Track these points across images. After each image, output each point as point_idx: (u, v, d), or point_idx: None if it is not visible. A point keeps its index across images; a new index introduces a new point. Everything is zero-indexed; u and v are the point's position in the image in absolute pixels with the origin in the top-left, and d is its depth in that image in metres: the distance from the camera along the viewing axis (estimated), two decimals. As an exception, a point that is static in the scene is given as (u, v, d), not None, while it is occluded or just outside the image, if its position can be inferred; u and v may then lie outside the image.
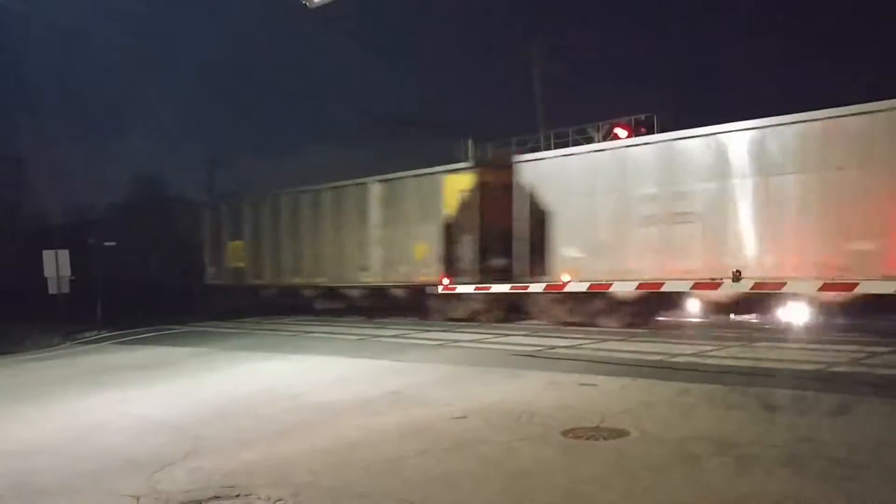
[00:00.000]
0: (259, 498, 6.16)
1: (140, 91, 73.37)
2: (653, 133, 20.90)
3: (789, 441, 7.16)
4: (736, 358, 12.73)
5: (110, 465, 7.39)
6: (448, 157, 26.28)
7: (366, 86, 67.64)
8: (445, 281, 20.98)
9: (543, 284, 19.03)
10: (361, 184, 24.95)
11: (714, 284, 16.30)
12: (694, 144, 17.22)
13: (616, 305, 18.35)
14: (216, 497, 6.23)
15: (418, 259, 22.57)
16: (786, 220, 15.72)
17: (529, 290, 19.44)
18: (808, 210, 15.39)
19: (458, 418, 8.70)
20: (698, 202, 16.92)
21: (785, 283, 15.37)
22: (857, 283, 14.33)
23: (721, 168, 16.60)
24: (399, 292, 23.48)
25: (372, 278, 24.20)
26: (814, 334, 15.43)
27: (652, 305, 18.42)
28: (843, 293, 14.65)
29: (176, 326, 23.46)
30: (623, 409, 8.79)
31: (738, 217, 16.36)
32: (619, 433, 7.74)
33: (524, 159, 20.76)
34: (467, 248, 21.47)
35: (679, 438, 7.44)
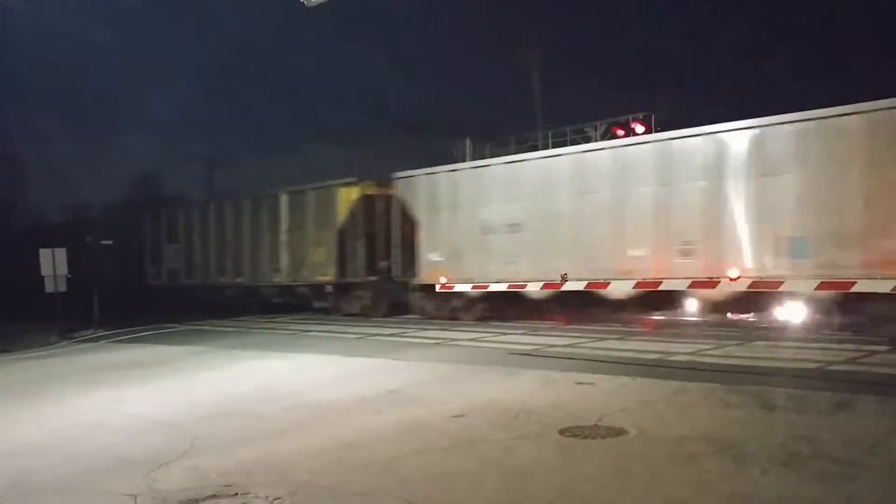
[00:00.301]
0: (257, 497, 6.15)
1: (139, 90, 73.39)
2: (650, 132, 21.30)
3: (787, 440, 7.16)
4: (734, 357, 12.74)
5: (107, 464, 7.37)
6: (447, 156, 26.42)
7: (364, 85, 67.67)
8: (443, 280, 21.07)
9: (541, 283, 19.10)
10: (273, 195, 28.13)
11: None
12: (530, 166, 20.27)
13: (472, 302, 21.45)
14: (214, 496, 6.21)
15: (318, 262, 25.71)
16: (594, 231, 18.61)
17: (527, 289, 19.55)
18: (607, 224, 18.36)
19: (455, 417, 8.69)
20: (528, 215, 19.89)
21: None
22: (855, 282, 14.34)
23: (546, 187, 19.62)
24: (304, 290, 26.59)
25: (281, 278, 27.38)
26: (811, 333, 15.44)
27: (506, 302, 20.81)
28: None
29: (173, 325, 23.44)
30: (621, 408, 8.79)
31: (558, 228, 19.26)
32: (617, 432, 7.74)
33: (400, 176, 23.49)
34: (359, 252, 24.54)
35: (677, 437, 7.43)
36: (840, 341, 14.10)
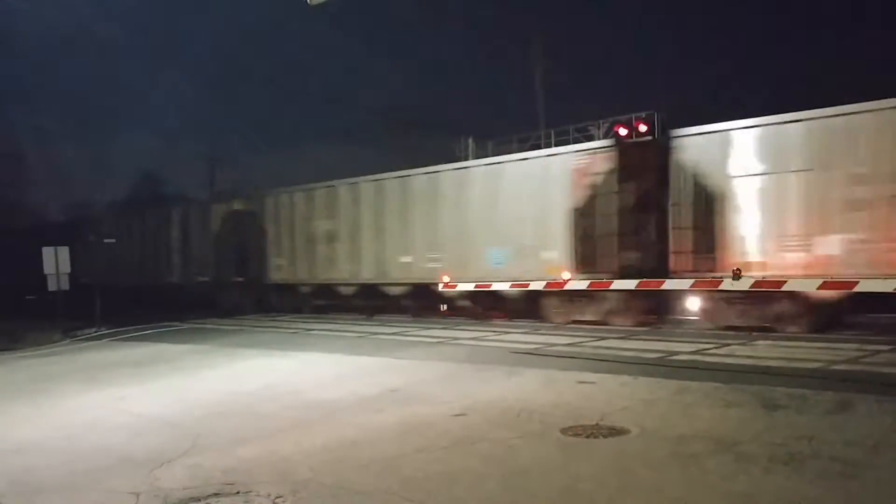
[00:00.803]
0: (259, 495, 6.16)
1: (141, 88, 73.40)
2: (652, 131, 21.33)
3: (788, 439, 7.16)
4: (736, 356, 12.72)
5: (109, 462, 7.39)
6: (449, 155, 26.46)
7: (367, 84, 67.68)
8: (446, 278, 21.12)
9: (544, 282, 19.11)
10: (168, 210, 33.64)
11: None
12: (343, 190, 25.02)
13: (307, 297, 26.38)
14: (216, 494, 6.23)
15: (201, 264, 30.83)
16: (384, 242, 23.57)
17: (530, 288, 19.55)
18: (393, 236, 23.36)
19: (457, 416, 8.70)
20: (342, 228, 24.85)
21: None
22: (857, 282, 14.33)
23: (355, 206, 24.48)
24: (198, 288, 30.74)
25: (175, 278, 32.39)
26: (815, 332, 15.43)
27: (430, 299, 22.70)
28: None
29: (175, 323, 23.46)
30: (622, 407, 8.79)
31: (362, 238, 24.15)
32: (619, 431, 7.74)
33: (259, 194, 28.48)
34: (231, 257, 29.37)
35: (678, 436, 7.43)
36: (843, 341, 14.08)
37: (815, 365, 11.53)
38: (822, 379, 10.26)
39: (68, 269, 21.52)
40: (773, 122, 15.99)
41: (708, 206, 16.69)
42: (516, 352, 14.18)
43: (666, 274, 17.25)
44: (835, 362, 11.75)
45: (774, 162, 15.80)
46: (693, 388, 9.73)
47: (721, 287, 16.26)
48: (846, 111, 14.97)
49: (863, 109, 14.82)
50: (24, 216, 42.76)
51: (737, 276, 15.81)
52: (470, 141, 27.60)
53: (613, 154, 18.53)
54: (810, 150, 15.32)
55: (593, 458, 6.88)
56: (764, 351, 13.30)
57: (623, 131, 23.91)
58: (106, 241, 26.63)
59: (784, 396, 9.01)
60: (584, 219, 18.64)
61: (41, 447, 8.23)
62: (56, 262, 21.29)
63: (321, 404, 9.80)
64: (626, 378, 10.68)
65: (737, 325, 16.15)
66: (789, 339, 14.51)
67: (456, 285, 21.05)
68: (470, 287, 20.93)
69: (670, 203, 17.26)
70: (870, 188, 14.44)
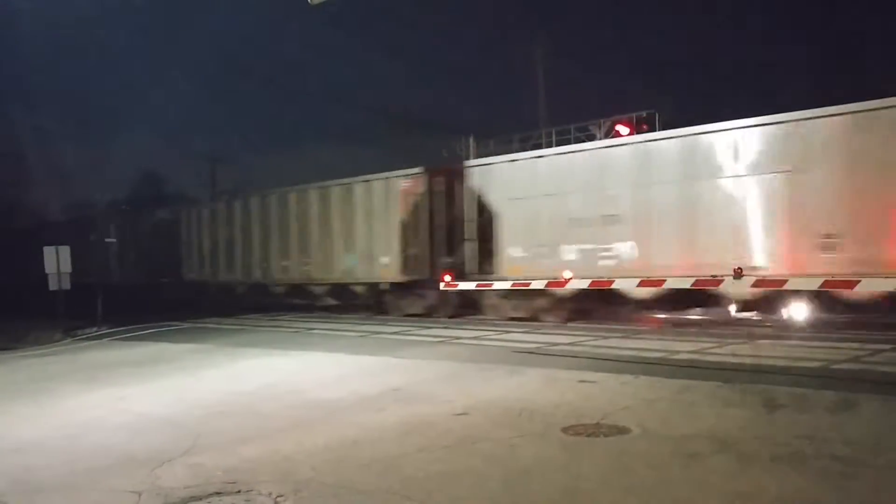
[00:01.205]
0: (260, 494, 6.16)
1: (142, 88, 73.40)
2: (654, 129, 21.54)
3: (790, 438, 7.15)
4: (737, 355, 12.70)
5: (110, 461, 7.38)
6: (449, 154, 26.50)
7: (368, 83, 67.70)
8: (447, 278, 21.28)
9: (546, 281, 19.29)
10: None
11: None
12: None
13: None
14: (217, 493, 6.23)
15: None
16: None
17: (531, 287, 19.73)
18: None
19: (458, 415, 8.69)
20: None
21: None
22: (859, 281, 14.35)
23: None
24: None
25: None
26: (816, 330, 15.44)
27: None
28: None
29: (176, 323, 23.44)
30: (623, 407, 8.79)
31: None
32: (620, 430, 7.74)
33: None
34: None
35: (680, 436, 7.43)
36: (844, 339, 14.07)
37: (816, 364, 11.53)
38: (823, 378, 10.27)
39: (69, 269, 21.53)
40: (526, 157, 21.05)
41: (487, 222, 21.23)
42: (518, 351, 14.18)
43: (464, 276, 21.45)
44: (836, 361, 11.75)
45: (529, 188, 20.18)
46: (694, 388, 9.73)
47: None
48: (568, 150, 20.40)
49: (578, 149, 20.16)
50: (24, 216, 42.77)
51: (738, 275, 15.92)
52: (471, 140, 27.59)
53: (425, 178, 22.97)
54: (552, 179, 19.76)
55: (595, 458, 6.88)
56: (765, 350, 13.28)
57: (624, 130, 23.96)
58: (107, 240, 26.60)
59: (785, 396, 9.01)
60: (409, 231, 22.98)
61: (41, 447, 8.23)
62: (57, 261, 21.30)
63: (322, 404, 9.80)
64: (627, 377, 10.68)
65: (512, 315, 20.36)
66: (790, 339, 14.50)
67: (457, 284, 21.35)
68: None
69: (466, 219, 21.86)
70: (586, 210, 18.88)
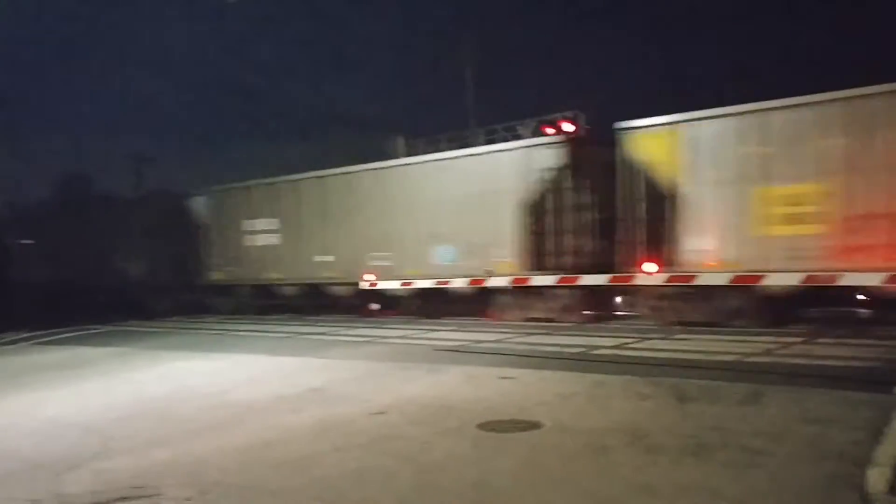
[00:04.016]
0: (167, 497, 6.06)
1: (62, 86, 71.59)
2: (579, 130, 21.65)
3: (698, 430, 7.30)
4: (654, 350, 12.94)
5: (14, 469, 7.17)
6: (380, 154, 26.41)
7: (300, 83, 67.15)
8: (371, 277, 21.15)
9: (468, 279, 19.37)
10: None
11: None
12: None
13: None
14: (122, 498, 6.09)
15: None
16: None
17: (450, 286, 19.79)
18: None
19: (375, 414, 8.67)
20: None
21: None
22: (842, 275, 14.30)
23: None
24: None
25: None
26: (736, 325, 15.78)
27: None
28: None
29: (98, 326, 22.96)
30: (539, 402, 8.87)
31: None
32: (534, 425, 7.80)
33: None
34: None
35: (592, 429, 7.53)
36: (759, 333, 14.41)
37: (731, 357, 11.78)
38: (735, 371, 10.52)
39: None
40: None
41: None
42: (441, 349, 14.22)
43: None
44: (750, 355, 12.02)
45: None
46: (610, 382, 9.87)
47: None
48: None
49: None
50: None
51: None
52: (401, 139, 27.54)
53: None
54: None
55: (507, 453, 6.92)
56: (682, 344, 13.56)
57: (550, 130, 24.14)
58: (22, 242, 25.94)
59: (697, 388, 9.19)
60: None
61: (-55, 455, 7.97)
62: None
63: (240, 405, 9.68)
64: (546, 373, 10.78)
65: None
66: (708, 333, 14.80)
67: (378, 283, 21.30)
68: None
69: None
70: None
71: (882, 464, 5.83)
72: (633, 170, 17.10)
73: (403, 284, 21.02)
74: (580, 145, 18.95)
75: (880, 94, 14.19)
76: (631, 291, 17.76)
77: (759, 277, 15.37)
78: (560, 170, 18.55)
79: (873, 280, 14.06)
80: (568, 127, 23.70)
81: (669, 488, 5.75)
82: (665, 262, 16.58)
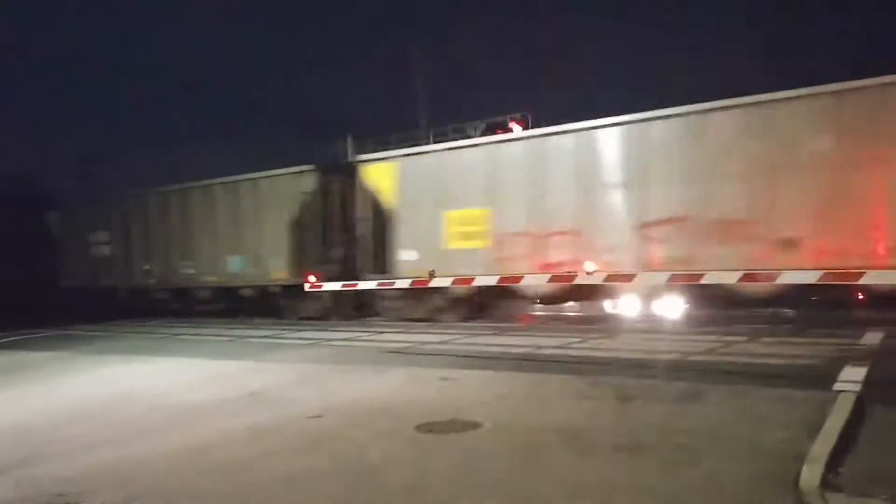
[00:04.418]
0: (90, 504, 5.88)
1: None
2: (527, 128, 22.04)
3: (636, 429, 7.29)
4: (599, 349, 12.97)
5: (-67, 477, 6.94)
6: (329, 156, 26.21)
7: (246, 82, 66.34)
8: (312, 279, 21.07)
9: (409, 280, 19.47)
10: None
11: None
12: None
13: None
14: (44, 506, 5.91)
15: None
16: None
17: (396, 286, 19.87)
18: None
19: (313, 417, 8.53)
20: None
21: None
22: (780, 273, 14.55)
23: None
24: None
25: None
26: (680, 325, 15.92)
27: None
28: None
29: (40, 330, 22.46)
30: (480, 402, 8.80)
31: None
32: (473, 426, 7.73)
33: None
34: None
35: (530, 429, 7.48)
36: (703, 332, 14.52)
37: (673, 356, 11.83)
38: (677, 370, 10.54)
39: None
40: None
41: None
42: (386, 351, 14.10)
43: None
44: (692, 353, 12.09)
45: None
46: (551, 382, 9.85)
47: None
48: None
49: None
50: None
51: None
52: (348, 140, 27.38)
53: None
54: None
55: (443, 454, 6.84)
56: (627, 343, 13.61)
57: (499, 131, 24.22)
58: None
59: (637, 387, 9.19)
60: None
61: None
62: None
63: (177, 409, 9.48)
64: (489, 373, 10.73)
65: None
66: (653, 332, 14.89)
67: (321, 285, 21.19)
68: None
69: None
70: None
71: (815, 461, 5.85)
72: (365, 194, 21.31)
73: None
74: (333, 172, 22.76)
75: (509, 140, 19.28)
76: (367, 294, 21.49)
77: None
78: (315, 193, 22.67)
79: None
80: (516, 128, 23.90)
81: (604, 488, 5.72)
82: (384, 270, 20.52)
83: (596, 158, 17.11)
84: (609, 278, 16.51)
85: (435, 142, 23.97)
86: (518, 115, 24.84)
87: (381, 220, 20.83)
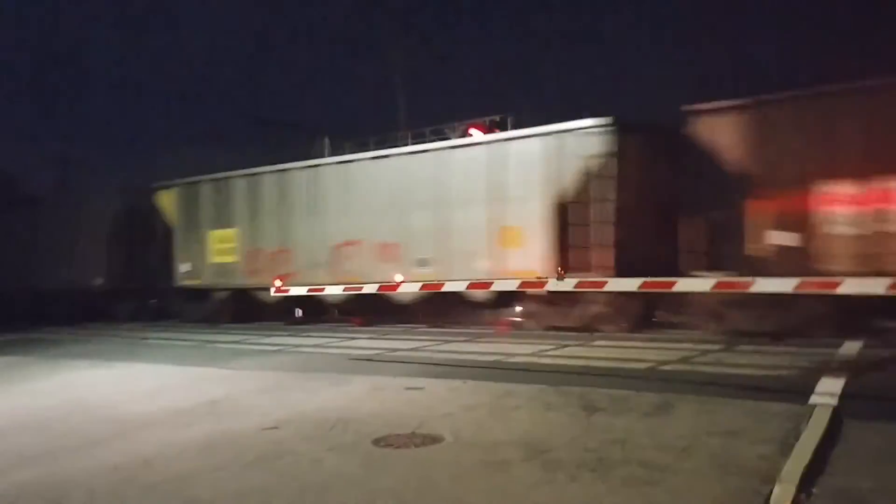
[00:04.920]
0: (15, 527, 5.52)
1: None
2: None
3: (601, 444, 6.97)
4: (571, 357, 12.69)
5: None
6: (306, 155, 25.91)
7: (225, 83, 65.91)
8: (277, 283, 20.71)
9: (377, 285, 19.19)
10: None
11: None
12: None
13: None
14: (-40, 531, 5.54)
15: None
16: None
17: (364, 291, 19.50)
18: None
19: (268, 429, 8.17)
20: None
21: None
22: (753, 282, 14.32)
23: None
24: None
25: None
26: (655, 333, 15.67)
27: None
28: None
29: (8, 334, 22.02)
30: (443, 414, 8.46)
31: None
32: (433, 439, 7.40)
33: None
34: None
35: (491, 443, 7.15)
36: (678, 340, 14.27)
37: (645, 366, 11.57)
38: (647, 380, 10.27)
39: None
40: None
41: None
42: (353, 358, 13.77)
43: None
44: (665, 362, 11.83)
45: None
46: (518, 392, 9.50)
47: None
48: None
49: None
50: None
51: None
52: (326, 140, 27.08)
53: None
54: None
55: (399, 470, 6.50)
56: (600, 352, 13.33)
57: (474, 132, 23.94)
58: None
59: (606, 398, 8.85)
60: None
61: None
62: None
63: (129, 419, 9.10)
64: (456, 383, 10.37)
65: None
66: (628, 340, 14.63)
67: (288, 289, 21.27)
68: None
69: None
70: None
71: (788, 480, 5.58)
72: (160, 215, 25.70)
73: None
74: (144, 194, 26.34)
75: (300, 168, 22.77)
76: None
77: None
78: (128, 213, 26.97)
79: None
80: (476, 133, 23.58)
81: (563, 508, 5.42)
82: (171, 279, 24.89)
83: (291, 195, 22.22)
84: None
85: (414, 143, 23.72)
86: (497, 118, 24.55)
87: (169, 237, 25.21)
